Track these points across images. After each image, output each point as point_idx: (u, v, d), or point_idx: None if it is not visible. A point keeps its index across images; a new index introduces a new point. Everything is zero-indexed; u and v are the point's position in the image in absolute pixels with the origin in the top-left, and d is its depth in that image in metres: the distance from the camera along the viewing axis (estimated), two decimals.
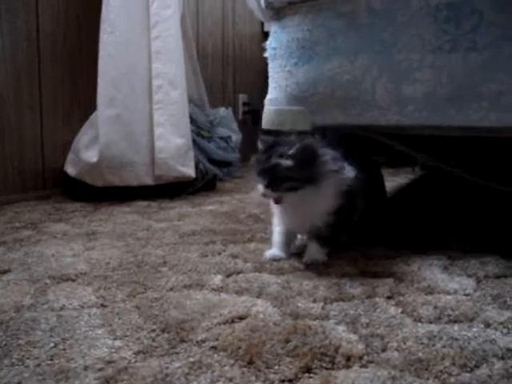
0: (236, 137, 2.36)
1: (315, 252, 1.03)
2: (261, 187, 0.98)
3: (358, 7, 1.10)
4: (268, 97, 1.24)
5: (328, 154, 0.99)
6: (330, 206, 0.99)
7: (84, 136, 1.81)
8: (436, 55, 1.01)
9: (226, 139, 2.28)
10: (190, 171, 1.80)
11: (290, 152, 0.95)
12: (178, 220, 1.45)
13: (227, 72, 2.98)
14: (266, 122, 1.22)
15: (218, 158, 2.18)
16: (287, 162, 0.95)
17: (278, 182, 0.96)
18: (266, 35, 3.25)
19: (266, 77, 3.26)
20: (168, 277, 0.92)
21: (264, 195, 0.99)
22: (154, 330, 0.69)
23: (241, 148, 2.40)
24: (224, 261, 1.02)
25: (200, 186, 1.90)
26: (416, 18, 1.03)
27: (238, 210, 1.58)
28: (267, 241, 1.18)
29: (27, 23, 1.87)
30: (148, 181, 1.78)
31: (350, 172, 1.02)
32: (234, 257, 1.06)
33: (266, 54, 1.25)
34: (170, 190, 1.83)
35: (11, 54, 1.81)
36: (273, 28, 1.23)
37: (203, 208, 1.62)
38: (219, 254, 1.09)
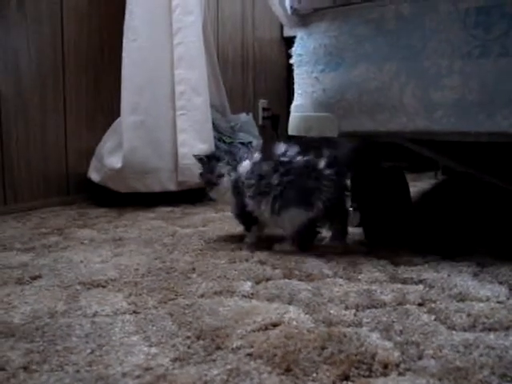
0: (257, 142, 2.36)
1: (247, 235, 1.27)
2: None
3: (385, 13, 1.09)
4: (294, 103, 1.24)
5: (223, 160, 1.25)
6: (229, 200, 1.25)
7: (107, 142, 1.83)
8: (465, 61, 1.00)
9: (247, 145, 2.29)
10: None
11: (199, 159, 1.28)
12: (202, 226, 1.45)
13: (247, 77, 2.99)
14: (292, 128, 1.22)
15: None
16: (200, 169, 1.28)
17: (204, 184, 1.29)
18: (285, 40, 3.27)
19: (286, 82, 3.27)
20: (198, 283, 0.93)
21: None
22: (188, 337, 0.69)
23: None
24: (252, 267, 1.03)
25: None
26: (445, 23, 1.02)
27: None
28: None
29: (52, 31, 1.89)
30: (171, 187, 1.79)
31: (242, 168, 1.21)
32: (262, 263, 1.06)
33: (292, 61, 1.25)
34: (193, 195, 1.84)
35: (37, 60, 1.84)
36: (299, 34, 1.23)
37: (226, 213, 1.62)
38: (247, 260, 1.09)
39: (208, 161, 1.26)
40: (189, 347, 0.66)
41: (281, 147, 1.16)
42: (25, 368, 0.62)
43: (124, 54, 1.80)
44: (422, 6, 1.06)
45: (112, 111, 1.95)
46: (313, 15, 1.18)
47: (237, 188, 1.22)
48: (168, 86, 1.82)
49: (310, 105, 1.18)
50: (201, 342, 0.68)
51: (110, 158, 1.77)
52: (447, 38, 1.02)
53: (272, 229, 1.26)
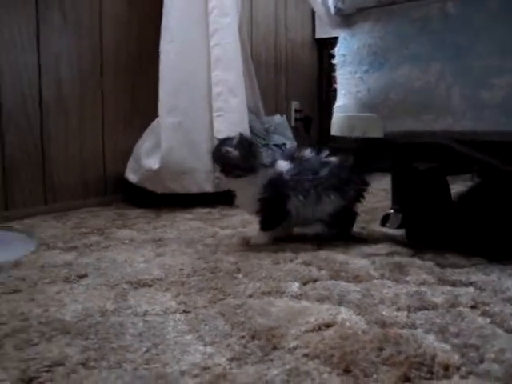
0: (291, 144, 2.36)
1: (256, 235, 1.26)
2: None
3: (431, 12, 1.08)
4: (337, 104, 1.24)
5: (262, 150, 1.25)
6: (255, 194, 1.20)
7: (145, 143, 1.85)
8: None
9: (281, 146, 2.28)
10: None
11: (234, 143, 1.19)
12: (242, 227, 1.45)
13: (280, 79, 2.99)
14: (336, 128, 1.22)
15: None
16: (233, 152, 1.18)
17: (230, 169, 1.19)
18: (317, 42, 3.26)
19: (317, 84, 3.24)
20: (245, 283, 0.92)
21: (218, 178, 1.25)
22: (243, 337, 0.69)
23: None
24: (298, 268, 1.02)
25: None
26: (494, 21, 1.01)
27: None
28: (337, 248, 1.18)
29: (91, 35, 1.92)
30: (208, 188, 1.79)
31: (282, 167, 1.22)
32: (307, 264, 1.05)
33: (334, 61, 1.25)
34: (229, 196, 1.83)
35: (77, 65, 1.86)
36: (341, 35, 1.22)
37: None
38: (291, 261, 1.08)
39: (247, 146, 1.20)
40: (244, 347, 0.66)
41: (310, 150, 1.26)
42: (83, 364, 0.62)
43: (161, 56, 1.82)
44: (469, 4, 1.04)
45: (148, 113, 1.96)
46: (356, 15, 1.17)
47: (276, 185, 1.21)
48: (205, 88, 1.83)
49: (353, 105, 1.17)
50: (256, 341, 0.68)
51: (148, 159, 1.78)
52: (496, 37, 1.00)
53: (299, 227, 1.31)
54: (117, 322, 0.75)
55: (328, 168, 1.23)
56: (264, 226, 1.25)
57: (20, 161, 1.70)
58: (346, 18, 1.20)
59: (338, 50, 1.24)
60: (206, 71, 1.85)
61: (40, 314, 0.80)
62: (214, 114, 1.80)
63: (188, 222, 1.54)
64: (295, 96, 3.11)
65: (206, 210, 1.72)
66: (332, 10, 1.20)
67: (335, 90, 2.84)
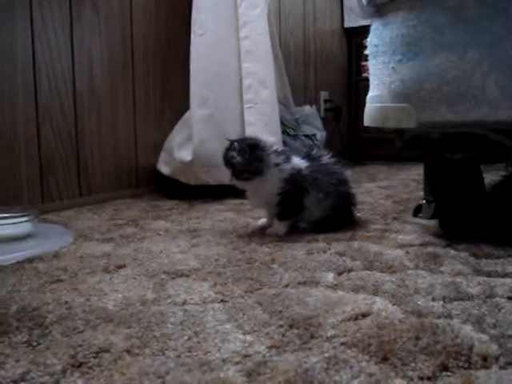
0: (320, 134, 2.36)
1: (276, 226, 1.28)
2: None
3: (466, 0, 1.07)
4: (370, 94, 1.23)
5: (271, 150, 1.27)
6: (275, 189, 1.24)
7: (177, 136, 1.87)
8: None
9: (311, 137, 2.29)
10: None
11: (237, 148, 1.24)
12: None
13: (309, 69, 2.99)
14: (368, 119, 1.22)
15: None
16: (238, 158, 1.23)
17: (239, 173, 1.25)
18: (345, 32, 3.24)
19: (346, 74, 3.24)
20: (280, 273, 0.94)
21: (231, 182, 1.29)
22: (281, 326, 0.70)
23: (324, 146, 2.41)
24: (332, 258, 1.03)
25: None
26: None
27: None
28: (370, 239, 1.18)
29: (122, 29, 1.95)
30: None
31: (298, 163, 1.27)
32: (341, 255, 1.06)
33: (367, 51, 1.24)
34: None
35: (108, 57, 1.89)
36: (374, 25, 1.22)
37: None
38: (324, 251, 1.09)
39: (254, 149, 1.25)
40: (283, 335, 0.68)
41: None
42: (128, 351, 0.65)
43: (192, 49, 1.84)
44: None
45: (179, 106, 1.98)
46: (389, 5, 1.16)
47: (296, 180, 1.25)
48: (235, 80, 1.84)
49: (387, 95, 1.16)
50: (294, 330, 0.69)
51: (180, 151, 1.80)
52: None
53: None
54: (157, 311, 0.77)
55: (336, 169, 1.32)
56: (282, 216, 1.28)
57: (55, 154, 1.74)
58: (378, 8, 1.19)
59: (370, 40, 1.23)
60: (236, 63, 1.86)
61: (83, 303, 0.82)
62: (245, 106, 1.81)
63: (221, 213, 1.56)
64: (324, 86, 3.10)
65: (238, 201, 1.73)
66: (364, 1, 1.20)
67: (364, 80, 2.84)
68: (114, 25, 1.92)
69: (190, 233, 1.31)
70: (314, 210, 1.28)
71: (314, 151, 1.34)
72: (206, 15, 1.85)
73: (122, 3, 1.95)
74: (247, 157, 1.23)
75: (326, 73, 3.13)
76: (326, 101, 3.05)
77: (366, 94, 1.30)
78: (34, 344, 0.68)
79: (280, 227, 1.28)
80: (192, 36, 1.85)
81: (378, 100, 1.19)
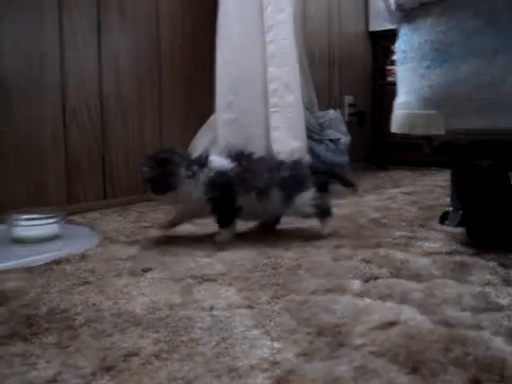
0: (345, 139, 2.34)
1: (219, 234, 1.29)
2: None
3: (496, 4, 1.05)
4: (397, 101, 1.22)
5: (185, 161, 1.25)
6: (195, 200, 1.24)
7: (201, 139, 1.88)
8: None
9: (336, 141, 2.28)
10: None
11: (148, 164, 1.24)
12: (300, 223, 1.46)
13: (333, 73, 2.98)
14: (396, 126, 1.21)
15: (327, 161, 2.18)
16: (148, 173, 1.24)
17: (153, 188, 1.26)
18: (370, 36, 3.22)
19: (371, 78, 3.21)
20: (306, 280, 0.94)
21: (151, 197, 1.31)
22: (309, 333, 0.70)
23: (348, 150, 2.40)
24: (358, 265, 1.03)
25: None
26: None
27: (356, 214, 1.58)
28: (396, 246, 1.17)
29: (149, 33, 1.97)
30: None
31: (220, 167, 1.25)
32: (367, 262, 1.05)
33: (394, 57, 1.24)
34: None
35: (134, 61, 1.91)
36: (402, 30, 1.21)
37: None
38: (350, 258, 1.09)
39: (163, 164, 1.24)
40: (311, 343, 0.67)
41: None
42: (156, 356, 0.65)
43: (218, 53, 1.84)
44: None
45: (204, 110, 1.99)
46: (418, 10, 1.15)
47: (219, 183, 1.24)
48: (260, 84, 1.85)
49: (414, 102, 1.15)
50: (322, 338, 0.69)
51: None
52: None
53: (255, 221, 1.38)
54: (185, 316, 0.78)
55: (282, 168, 1.29)
56: (222, 223, 1.29)
57: (82, 157, 1.76)
58: (407, 13, 1.18)
59: (398, 46, 1.22)
60: (261, 67, 1.86)
61: (111, 306, 0.83)
62: (270, 110, 1.81)
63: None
64: (349, 90, 3.08)
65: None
66: (393, 6, 1.19)
67: (389, 84, 2.81)
68: (140, 29, 1.94)
69: (214, 236, 1.32)
70: (256, 210, 1.28)
71: (243, 151, 1.32)
72: (231, 19, 1.86)
73: (149, 8, 1.96)
74: (157, 172, 1.23)
75: (351, 77, 3.12)
76: (350, 105, 3.04)
77: (390, 98, 1.29)
78: (64, 346, 0.69)
79: (222, 235, 1.28)
80: (217, 40, 1.86)
81: (405, 107, 1.18)
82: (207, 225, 1.45)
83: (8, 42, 1.56)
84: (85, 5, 1.75)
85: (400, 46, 1.22)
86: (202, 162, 1.26)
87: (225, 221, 1.29)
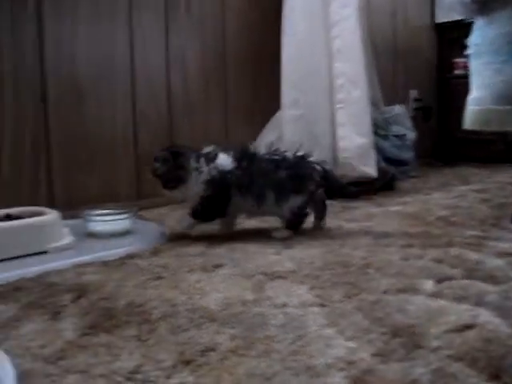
0: (410, 135, 2.30)
1: (183, 219, 1.33)
2: None
3: None
4: (471, 96, 1.19)
5: (195, 154, 1.28)
6: (199, 193, 1.27)
7: (267, 136, 1.89)
8: None
9: (401, 137, 2.24)
10: (371, 171, 1.79)
11: (160, 159, 1.27)
12: (366, 220, 1.45)
13: (397, 67, 2.92)
14: (469, 122, 1.18)
15: (393, 157, 2.15)
16: (161, 168, 1.27)
17: (165, 183, 1.28)
18: (437, 27, 3.13)
19: (437, 71, 3.13)
20: (377, 279, 0.93)
21: (162, 192, 1.31)
22: (384, 334, 0.70)
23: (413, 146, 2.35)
24: (429, 265, 1.01)
25: (380, 185, 1.89)
26: None
27: (424, 212, 1.55)
28: (468, 246, 1.15)
29: (215, 31, 1.99)
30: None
31: (223, 165, 1.27)
32: (439, 262, 1.03)
33: (468, 51, 1.20)
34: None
35: (201, 59, 1.95)
36: (476, 23, 1.18)
37: (388, 208, 1.61)
38: (421, 257, 1.07)
39: (173, 158, 1.27)
40: (386, 344, 0.67)
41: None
42: (233, 352, 0.67)
43: (283, 49, 1.85)
44: None
45: (269, 107, 2.00)
46: (494, 2, 1.12)
47: (216, 183, 1.26)
48: (326, 80, 1.84)
49: (489, 97, 1.12)
50: (397, 339, 0.68)
51: None
52: None
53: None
54: (258, 313, 0.79)
55: (282, 167, 1.27)
56: (194, 215, 1.31)
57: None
58: (483, 5, 1.15)
59: (472, 40, 1.19)
60: (327, 63, 1.85)
61: (185, 301, 0.86)
62: (336, 106, 1.80)
63: (311, 215, 1.56)
64: (414, 84, 3.01)
65: (327, 202, 1.73)
66: None
67: (456, 77, 2.73)
68: (206, 28, 1.97)
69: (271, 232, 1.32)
70: (251, 210, 1.30)
71: (247, 150, 1.31)
72: (297, 16, 1.86)
73: (215, 5, 1.99)
74: (169, 166, 1.26)
75: (416, 70, 3.05)
76: (415, 100, 2.97)
77: (458, 92, 1.26)
78: (144, 339, 0.72)
79: (185, 221, 1.32)
80: (283, 37, 1.86)
81: (479, 102, 1.15)
82: (271, 221, 1.47)
83: (81, 47, 1.63)
84: (153, 6, 1.79)
85: (474, 39, 1.19)
86: (210, 158, 1.28)
87: (200, 215, 1.31)
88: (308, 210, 1.33)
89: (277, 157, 1.29)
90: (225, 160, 1.28)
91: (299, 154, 1.31)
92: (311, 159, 1.32)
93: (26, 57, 1.53)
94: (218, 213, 1.31)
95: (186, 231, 1.33)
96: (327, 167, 1.35)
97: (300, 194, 1.27)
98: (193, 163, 1.27)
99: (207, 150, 1.31)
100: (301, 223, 1.33)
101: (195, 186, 1.27)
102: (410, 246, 1.16)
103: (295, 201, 1.27)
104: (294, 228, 1.31)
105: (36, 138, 1.56)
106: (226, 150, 1.32)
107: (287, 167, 1.27)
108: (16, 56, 1.51)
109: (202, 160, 1.28)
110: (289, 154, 1.30)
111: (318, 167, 1.31)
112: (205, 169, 1.27)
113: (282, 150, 1.32)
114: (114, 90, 1.72)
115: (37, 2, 1.53)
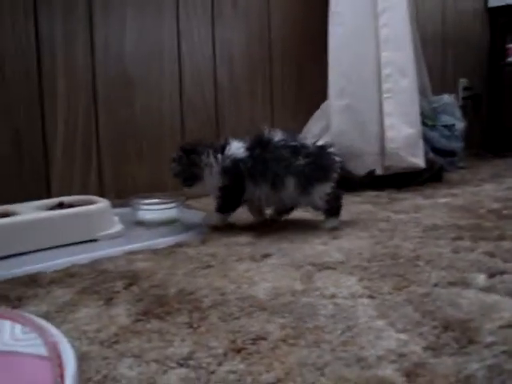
0: (460, 125, 2.25)
1: (210, 215, 1.36)
2: None
3: None
4: None
5: (203, 150, 1.28)
6: (217, 185, 1.28)
7: (314, 126, 1.89)
8: None
9: (450, 127, 2.19)
10: (419, 161, 1.76)
11: (176, 158, 1.30)
12: (414, 212, 1.43)
13: (446, 55, 2.86)
14: None
15: (441, 148, 2.11)
16: (176, 168, 1.30)
17: (183, 181, 1.31)
18: (489, 11, 3.03)
19: (489, 58, 3.05)
20: (427, 272, 0.92)
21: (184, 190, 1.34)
22: (435, 327, 0.69)
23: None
24: (481, 259, 0.99)
25: (427, 176, 1.86)
26: None
27: (474, 204, 1.51)
28: None
29: (260, 23, 2.00)
30: (377, 171, 1.78)
31: (235, 154, 1.27)
32: (491, 255, 1.01)
33: None
34: (397, 180, 1.82)
35: (247, 50, 1.96)
36: None
37: (436, 200, 1.58)
38: (472, 251, 1.05)
39: (186, 156, 1.28)
40: (438, 337, 0.66)
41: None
42: (283, 341, 0.67)
43: (330, 39, 1.83)
44: None
45: (315, 96, 2.00)
46: None
47: (232, 173, 1.26)
48: (374, 69, 1.81)
49: None
50: (450, 333, 0.67)
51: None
52: None
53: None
54: (307, 303, 0.80)
55: (301, 153, 1.23)
56: (220, 209, 1.32)
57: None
58: None
59: None
60: (374, 52, 1.83)
61: (234, 290, 0.87)
62: (384, 96, 1.78)
63: (358, 206, 1.55)
64: (463, 72, 2.94)
65: (375, 193, 1.72)
66: None
67: (509, 65, 2.65)
68: (252, 19, 1.98)
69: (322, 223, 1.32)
70: (269, 199, 1.28)
71: (261, 137, 1.28)
72: (344, 5, 1.84)
73: None
74: (183, 164, 1.29)
75: (466, 58, 2.97)
76: (464, 88, 2.90)
77: (510, 80, 1.22)
78: (195, 326, 0.73)
79: (213, 217, 1.34)
80: (330, 26, 1.85)
81: None
82: (312, 212, 1.47)
83: (130, 38, 1.66)
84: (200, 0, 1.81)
85: None
86: (220, 149, 1.29)
87: (224, 208, 1.32)
88: (341, 191, 1.30)
89: (294, 143, 1.26)
90: (237, 148, 1.28)
91: (319, 143, 1.29)
92: (331, 150, 1.29)
93: (77, 49, 1.57)
94: (238, 202, 1.32)
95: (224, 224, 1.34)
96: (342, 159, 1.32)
97: (325, 182, 1.25)
98: (204, 157, 1.28)
99: (221, 141, 1.32)
100: (340, 207, 1.30)
101: (211, 179, 1.28)
102: (461, 238, 1.14)
103: (322, 189, 1.25)
104: (337, 213, 1.30)
105: (87, 128, 1.61)
106: (241, 138, 1.32)
107: (307, 155, 1.23)
108: (67, 50, 1.55)
109: (214, 152, 1.29)
110: (308, 142, 1.28)
111: (338, 158, 1.29)
112: (217, 160, 1.28)
113: (301, 137, 1.31)
114: (162, 81, 1.74)
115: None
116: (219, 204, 1.31)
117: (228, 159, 1.27)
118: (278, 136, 1.27)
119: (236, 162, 1.26)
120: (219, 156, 1.27)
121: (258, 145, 1.27)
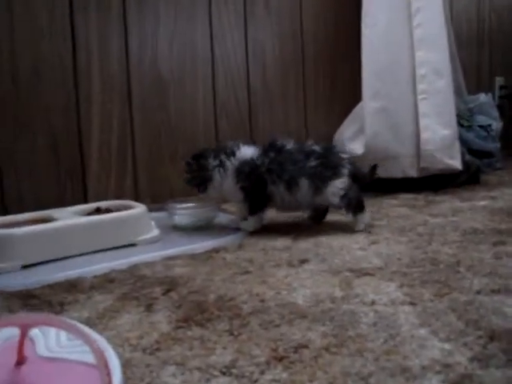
0: (496, 125, 2.21)
1: (246, 222, 1.35)
2: None
3: None
4: None
5: (210, 155, 1.31)
6: (235, 186, 1.30)
7: (348, 128, 1.88)
8: None
9: (486, 128, 2.15)
10: (456, 163, 1.74)
11: (186, 166, 1.33)
12: (452, 215, 1.41)
13: (482, 53, 2.80)
14: None
15: (477, 149, 2.07)
16: (188, 175, 1.34)
17: (197, 188, 1.34)
18: None
19: None
20: (469, 278, 0.90)
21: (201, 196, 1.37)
22: (480, 337, 0.68)
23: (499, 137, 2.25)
24: None
25: (464, 179, 1.83)
26: None
27: None
28: None
29: (293, 23, 1.99)
30: (412, 173, 1.76)
31: (247, 155, 1.30)
32: None
33: None
34: (433, 182, 1.79)
35: (279, 52, 1.96)
36: None
37: (474, 203, 1.56)
38: None
39: (196, 162, 1.32)
40: (484, 348, 0.65)
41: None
42: (326, 349, 0.67)
43: (363, 41, 1.82)
44: None
45: (348, 98, 1.99)
46: None
47: (248, 172, 1.28)
48: (408, 70, 1.79)
49: None
50: (496, 343, 0.66)
51: (352, 144, 1.81)
52: None
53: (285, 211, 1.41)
54: (348, 310, 0.79)
55: (312, 156, 1.27)
56: (251, 211, 1.33)
57: None
58: None
59: None
60: (409, 52, 1.80)
61: (274, 297, 0.87)
62: (419, 97, 1.75)
63: (395, 209, 1.53)
64: (500, 71, 2.88)
65: (411, 195, 1.70)
66: None
67: None
68: (284, 21, 1.97)
69: (367, 228, 1.31)
70: (286, 200, 1.30)
71: (274, 142, 1.31)
72: (377, 6, 1.82)
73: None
74: (193, 171, 1.32)
75: (502, 55, 2.91)
76: (501, 87, 2.84)
77: None
78: (236, 333, 0.73)
79: (249, 222, 1.34)
80: (363, 27, 1.83)
81: None
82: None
83: (163, 42, 1.68)
84: (232, 1, 1.82)
85: None
86: (230, 151, 1.31)
87: (253, 208, 1.33)
88: (356, 186, 1.30)
89: (305, 148, 1.30)
90: (248, 151, 1.31)
91: (326, 145, 1.33)
92: (339, 149, 1.34)
93: (112, 53, 1.59)
94: (264, 198, 1.32)
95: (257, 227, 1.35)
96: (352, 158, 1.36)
97: (336, 178, 1.27)
98: (212, 161, 1.30)
99: (232, 145, 1.33)
100: (361, 201, 1.31)
101: (225, 181, 1.30)
102: (503, 243, 1.12)
103: (335, 185, 1.27)
104: (361, 209, 1.31)
105: (122, 132, 1.63)
106: (251, 143, 1.35)
107: (317, 157, 1.27)
108: (102, 53, 1.57)
109: (223, 156, 1.30)
110: (316, 147, 1.30)
111: (347, 157, 1.33)
112: (230, 161, 1.30)
113: (310, 144, 1.32)
114: (196, 84, 1.76)
115: (122, 1, 1.58)
116: (248, 206, 1.33)
117: (237, 161, 1.29)
118: (290, 143, 1.31)
119: (250, 162, 1.29)
120: (232, 158, 1.30)
121: (272, 149, 1.30)
